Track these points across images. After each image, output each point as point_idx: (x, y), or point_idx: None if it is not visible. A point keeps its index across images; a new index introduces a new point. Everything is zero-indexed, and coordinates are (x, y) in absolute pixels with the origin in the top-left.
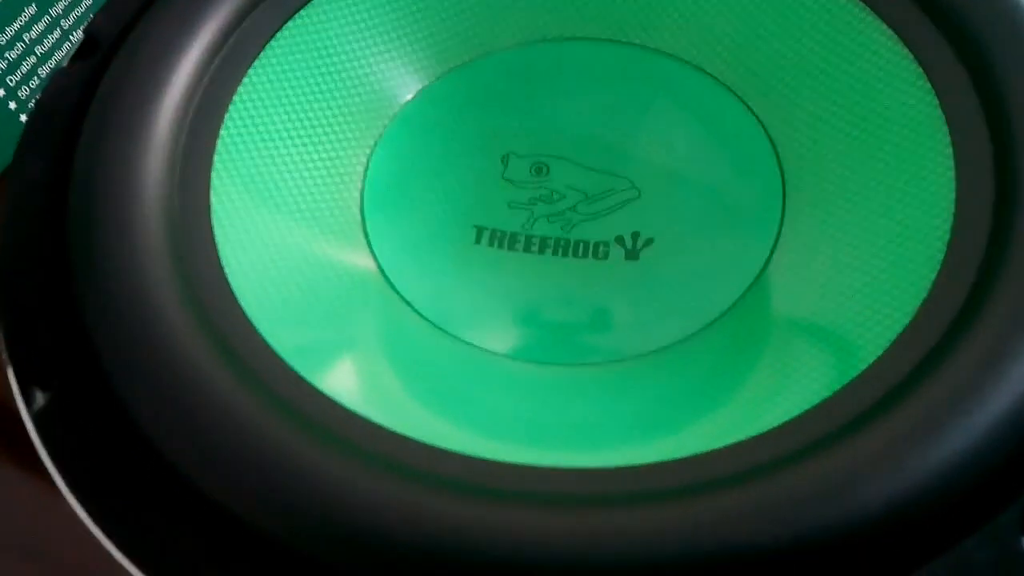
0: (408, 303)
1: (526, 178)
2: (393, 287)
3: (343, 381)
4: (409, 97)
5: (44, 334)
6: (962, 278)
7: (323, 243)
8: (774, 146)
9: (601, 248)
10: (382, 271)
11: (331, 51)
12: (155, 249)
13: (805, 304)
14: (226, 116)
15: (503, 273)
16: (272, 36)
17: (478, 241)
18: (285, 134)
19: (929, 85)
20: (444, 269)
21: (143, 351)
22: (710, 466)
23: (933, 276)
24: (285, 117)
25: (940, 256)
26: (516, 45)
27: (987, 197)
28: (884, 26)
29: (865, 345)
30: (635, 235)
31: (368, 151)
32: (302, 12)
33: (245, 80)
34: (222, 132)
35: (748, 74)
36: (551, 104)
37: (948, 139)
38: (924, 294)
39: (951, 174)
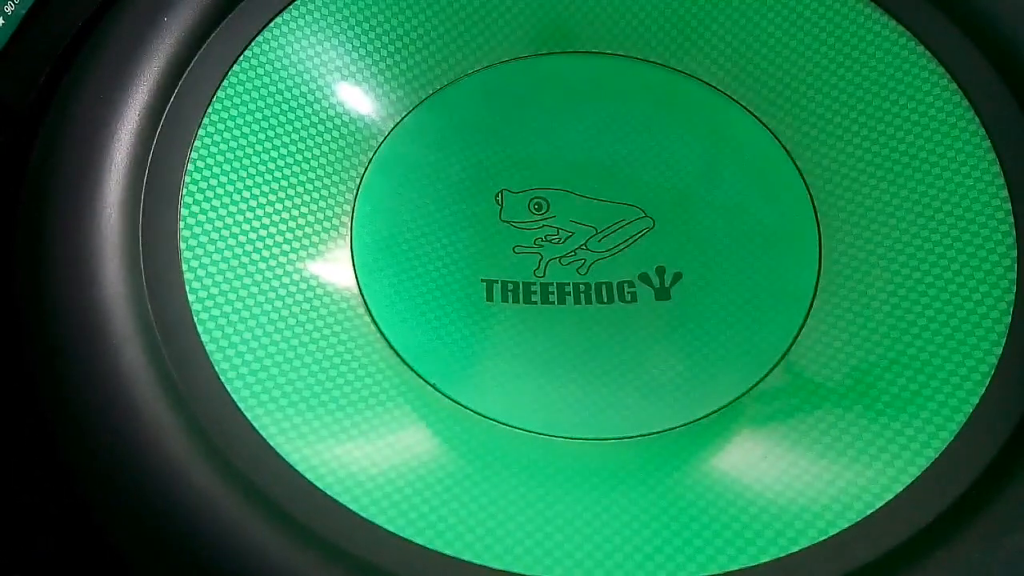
0: (433, 385)
1: (526, 216)
2: (410, 366)
3: (389, 509)
4: (384, 136)
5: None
6: None
7: (324, 328)
8: (792, 158)
9: (627, 289)
10: (395, 351)
11: (285, 96)
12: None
13: (874, 323)
14: (183, 195)
15: (526, 335)
16: (217, 87)
17: (490, 298)
18: (253, 201)
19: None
20: (462, 339)
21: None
22: None
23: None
24: (248, 181)
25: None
26: (492, 64)
27: None
28: (899, 26)
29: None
30: (660, 270)
31: (350, 209)
32: (242, 59)
33: (196, 144)
34: (183, 217)
35: (752, 82)
36: (539, 128)
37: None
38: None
39: (995, 169)
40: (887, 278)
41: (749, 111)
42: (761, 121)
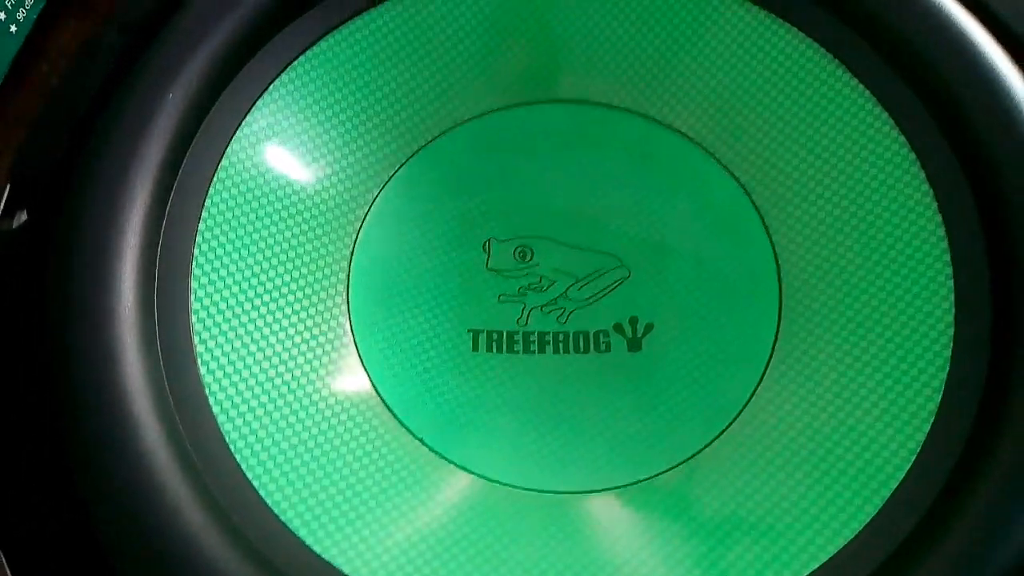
0: (421, 440)
1: (512, 265)
2: (401, 422)
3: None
4: (377, 191)
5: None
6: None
7: (320, 385)
8: (761, 216)
9: (602, 339)
10: (386, 405)
11: (280, 163)
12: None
13: (823, 388)
14: (192, 275)
15: (507, 387)
16: (216, 166)
17: (476, 348)
18: (258, 267)
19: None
20: (448, 391)
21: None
22: None
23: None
24: (252, 252)
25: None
26: (480, 114)
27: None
28: (866, 91)
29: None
30: (634, 321)
31: (346, 266)
32: (238, 134)
33: (200, 227)
34: (193, 293)
35: (728, 137)
36: (525, 176)
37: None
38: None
39: (946, 258)
40: (836, 344)
41: (724, 166)
42: (734, 176)
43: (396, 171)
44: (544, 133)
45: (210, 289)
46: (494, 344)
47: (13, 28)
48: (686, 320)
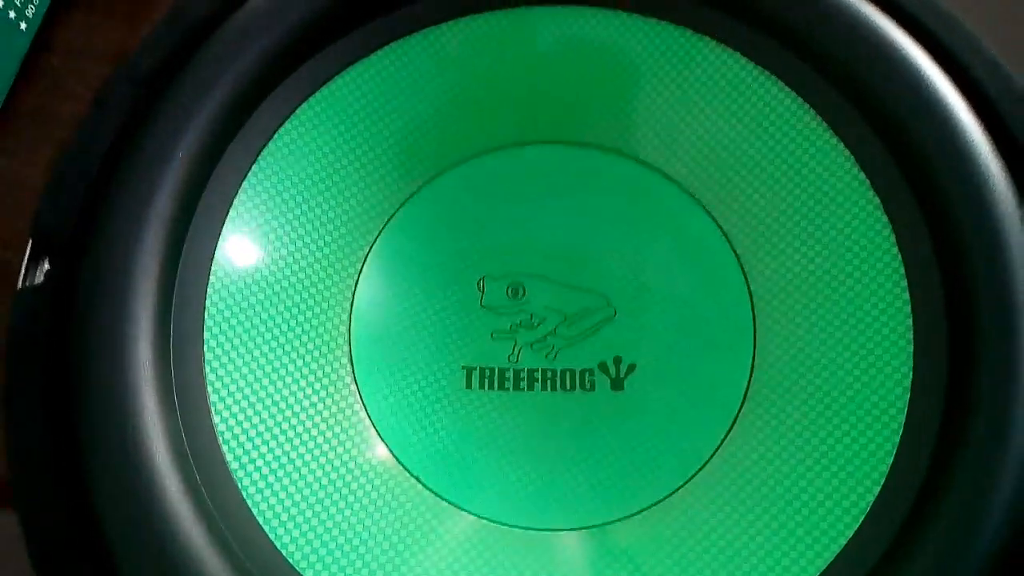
0: (417, 478)
1: (504, 302)
2: (397, 458)
3: None
4: (376, 235)
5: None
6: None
7: (324, 427)
8: (739, 261)
9: (587, 377)
10: (384, 442)
11: (283, 212)
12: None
13: (787, 439)
14: (205, 319)
15: (497, 424)
16: (226, 215)
17: (469, 385)
18: (265, 314)
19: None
20: (442, 427)
21: None
22: None
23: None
24: (260, 295)
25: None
26: (477, 154)
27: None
28: (847, 151)
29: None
30: (618, 360)
31: (348, 307)
32: (244, 184)
33: (211, 279)
34: (205, 344)
35: (711, 182)
36: (518, 215)
37: (903, 276)
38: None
39: (907, 308)
40: (803, 390)
41: (707, 211)
42: (716, 222)
43: (393, 214)
44: (537, 174)
45: (221, 339)
46: (486, 381)
47: (23, 25)
48: (665, 362)
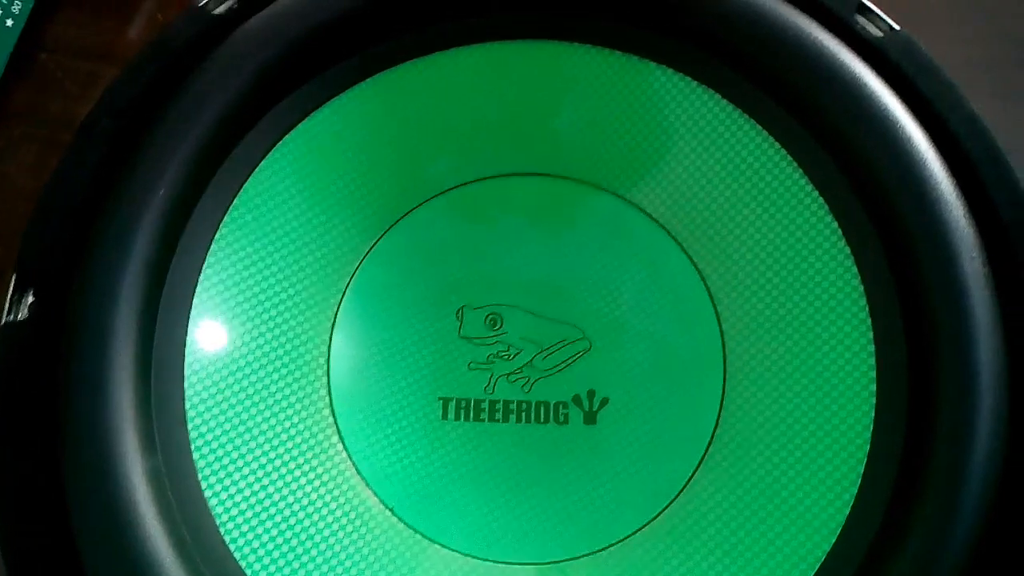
0: (391, 510)
1: (482, 333)
2: (375, 492)
3: None
4: (356, 265)
5: None
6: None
7: (302, 460)
8: (713, 301)
9: (561, 410)
10: (361, 476)
11: (264, 244)
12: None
13: (750, 483)
14: (185, 354)
15: (472, 456)
16: (208, 247)
17: (445, 416)
18: (244, 348)
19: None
20: (418, 460)
21: None
22: None
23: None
24: (240, 328)
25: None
26: (458, 185)
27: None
28: (825, 204)
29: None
30: (591, 394)
31: (327, 338)
32: (226, 218)
33: (194, 303)
34: (185, 370)
35: (689, 222)
36: (498, 246)
37: (869, 328)
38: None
39: (871, 347)
40: (768, 431)
41: (683, 249)
42: (692, 261)
43: (373, 246)
44: (516, 205)
45: (201, 373)
46: (462, 412)
47: (9, 22)
48: (637, 397)
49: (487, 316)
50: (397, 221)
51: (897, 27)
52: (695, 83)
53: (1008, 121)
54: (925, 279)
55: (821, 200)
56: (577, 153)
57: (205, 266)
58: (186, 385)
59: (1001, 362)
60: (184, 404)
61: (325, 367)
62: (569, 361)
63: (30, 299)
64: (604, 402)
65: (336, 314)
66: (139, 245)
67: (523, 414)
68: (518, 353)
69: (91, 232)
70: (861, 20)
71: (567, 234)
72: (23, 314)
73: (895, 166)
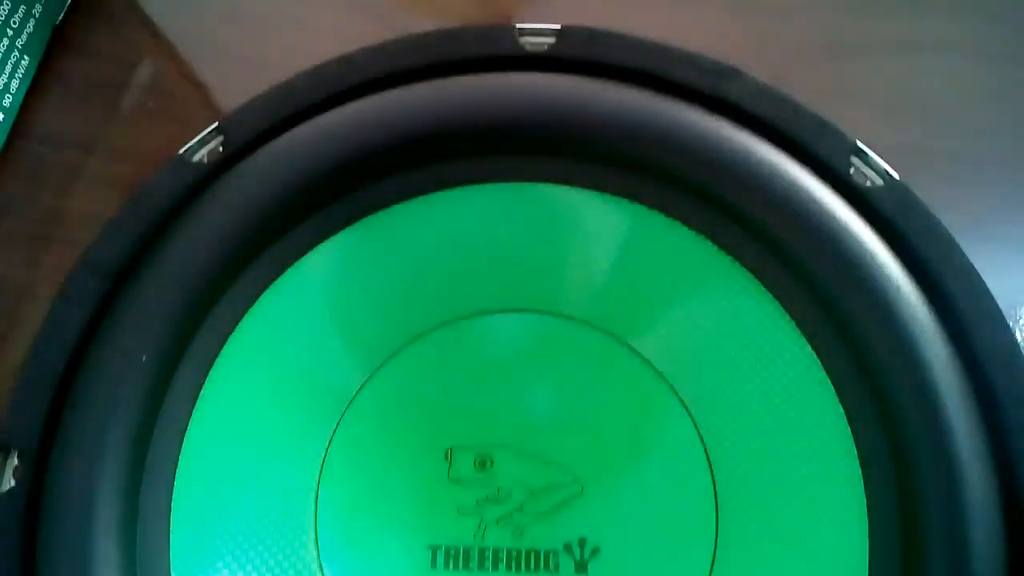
0: None
1: (472, 475)
2: None
3: None
4: (345, 408)
5: None
6: None
7: None
8: (706, 450)
9: (552, 559)
10: None
11: (255, 398)
12: None
13: None
14: (171, 509)
15: None
16: (193, 408)
17: (434, 565)
18: (231, 499)
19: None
20: None
21: None
22: None
23: None
24: (229, 480)
25: None
26: (448, 321)
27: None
28: (819, 360)
29: None
30: (582, 542)
31: (315, 486)
32: (211, 374)
33: (179, 467)
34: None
35: (682, 367)
36: (488, 384)
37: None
38: None
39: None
40: None
41: (675, 392)
42: (684, 405)
43: (360, 388)
44: (510, 342)
45: (188, 536)
46: (451, 560)
47: (0, 116)
48: (627, 548)
49: (477, 457)
50: (384, 362)
51: (895, 174)
52: (685, 227)
53: None
54: (917, 458)
55: (816, 358)
56: (569, 291)
57: (188, 429)
58: (171, 548)
59: (990, 528)
60: (170, 550)
61: (313, 521)
62: (560, 505)
63: (14, 461)
64: (595, 551)
65: (323, 462)
66: (118, 422)
67: (513, 563)
68: (508, 496)
69: (72, 403)
70: (856, 162)
71: (557, 372)
72: (8, 482)
73: (889, 342)
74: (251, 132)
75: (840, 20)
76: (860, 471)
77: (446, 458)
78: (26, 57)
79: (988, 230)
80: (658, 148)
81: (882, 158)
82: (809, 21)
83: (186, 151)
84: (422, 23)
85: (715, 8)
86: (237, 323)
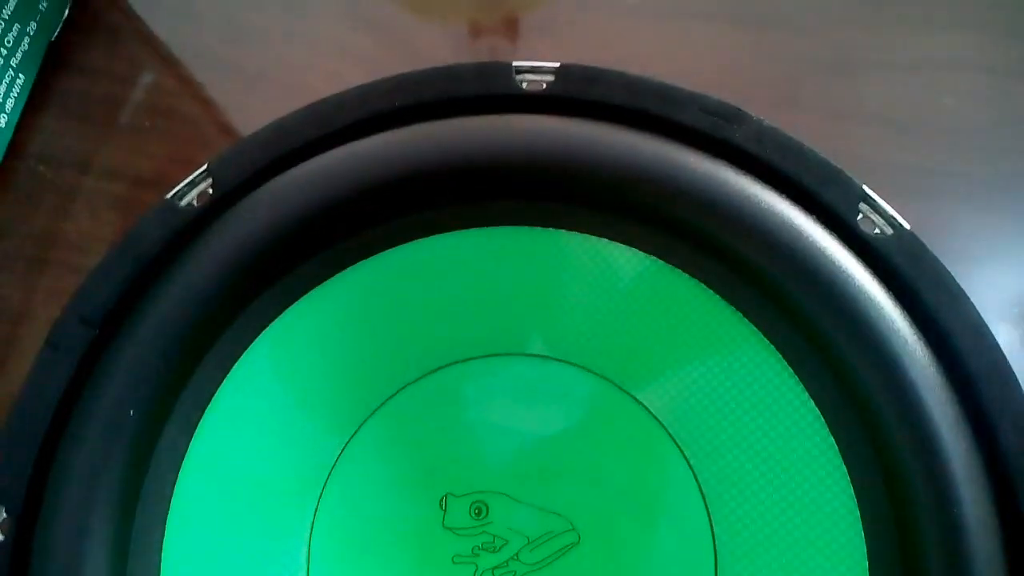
0: None
1: (467, 523)
2: None
3: None
4: (336, 458)
5: None
6: None
7: None
8: (706, 504)
9: None
10: None
11: (247, 447)
12: None
13: None
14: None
15: None
16: (184, 455)
17: None
18: (223, 549)
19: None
20: None
21: None
22: None
23: None
24: (219, 527)
25: None
26: (442, 366)
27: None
28: (822, 417)
29: None
30: None
31: (307, 535)
32: (195, 439)
33: (169, 520)
34: None
35: (676, 409)
36: (483, 429)
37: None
38: None
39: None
40: None
41: (676, 444)
42: (685, 457)
43: (354, 434)
44: (506, 388)
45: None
46: None
47: None
48: None
49: (472, 504)
50: (378, 408)
51: (904, 223)
52: (685, 275)
53: None
54: (921, 520)
55: (819, 413)
56: (568, 337)
57: (178, 481)
58: None
59: None
60: None
61: (305, 569)
62: (557, 555)
63: (2, 514)
64: None
65: (315, 514)
66: (104, 482)
67: None
68: (504, 544)
69: (59, 462)
70: (865, 209)
71: (554, 417)
72: None
73: (895, 405)
74: (241, 174)
75: (851, 36)
76: (864, 537)
77: (441, 506)
78: (21, 75)
79: (999, 246)
80: (656, 196)
81: (892, 176)
82: (820, 37)
83: (174, 195)
84: (422, 35)
85: (726, 24)
86: (227, 373)
